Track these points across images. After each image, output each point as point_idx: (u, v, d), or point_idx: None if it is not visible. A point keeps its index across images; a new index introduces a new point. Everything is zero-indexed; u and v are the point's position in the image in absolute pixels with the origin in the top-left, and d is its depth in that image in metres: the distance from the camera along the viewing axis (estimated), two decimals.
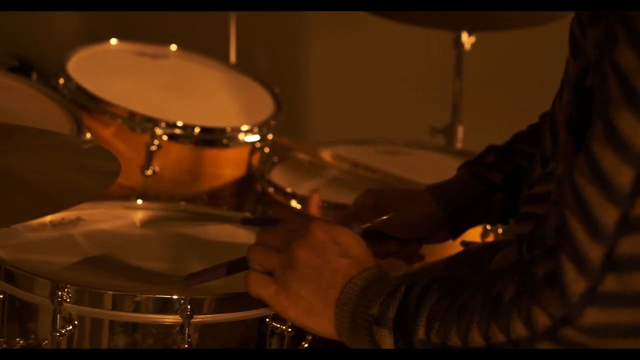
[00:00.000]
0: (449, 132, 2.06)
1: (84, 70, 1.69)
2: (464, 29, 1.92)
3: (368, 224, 1.03)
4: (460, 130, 2.05)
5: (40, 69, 1.75)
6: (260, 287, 0.94)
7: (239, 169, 1.67)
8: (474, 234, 1.46)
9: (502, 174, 1.21)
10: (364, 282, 0.91)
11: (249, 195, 1.70)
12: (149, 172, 1.58)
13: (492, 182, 1.21)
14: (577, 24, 0.94)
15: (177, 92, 1.73)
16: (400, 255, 1.24)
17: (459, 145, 2.06)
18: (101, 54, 1.79)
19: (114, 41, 1.82)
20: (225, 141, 1.62)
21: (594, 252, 0.77)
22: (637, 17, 0.78)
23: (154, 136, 1.56)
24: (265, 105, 1.76)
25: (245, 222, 1.26)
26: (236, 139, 1.63)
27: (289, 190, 1.60)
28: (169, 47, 1.87)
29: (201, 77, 1.81)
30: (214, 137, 1.62)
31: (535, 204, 1.02)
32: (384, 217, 1.09)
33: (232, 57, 2.08)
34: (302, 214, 1.14)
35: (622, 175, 0.77)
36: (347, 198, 1.56)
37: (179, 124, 1.60)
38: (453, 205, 1.21)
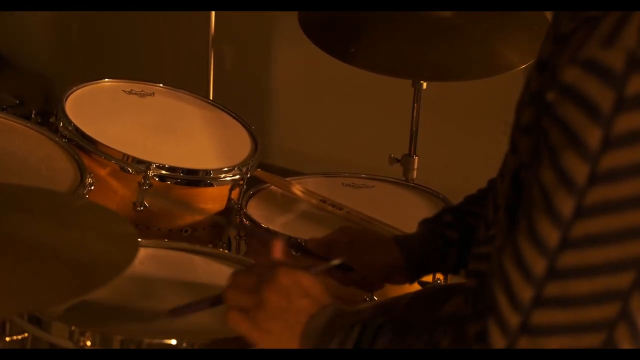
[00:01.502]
0: (405, 161, 2.27)
1: (80, 110, 1.87)
2: (420, 79, 2.11)
3: (323, 268, 1.27)
4: (415, 160, 2.27)
5: (38, 107, 1.93)
6: (237, 323, 1.15)
7: (220, 204, 1.87)
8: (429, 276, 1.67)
9: (456, 232, 1.43)
10: (323, 318, 1.12)
11: (228, 225, 1.92)
12: (140, 208, 1.78)
13: (448, 238, 1.43)
14: (516, 127, 1.15)
15: (164, 132, 1.92)
16: (362, 285, 1.46)
17: (414, 174, 2.27)
18: (95, 93, 1.97)
19: (105, 80, 2.01)
20: (208, 181, 1.82)
21: (513, 320, 0.99)
22: (559, 144, 0.99)
23: (146, 177, 1.76)
24: (243, 144, 1.96)
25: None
26: (218, 178, 1.83)
27: (263, 225, 1.80)
28: (155, 85, 2.06)
29: (185, 115, 2.00)
30: (199, 178, 1.82)
31: (480, 262, 1.24)
32: (334, 262, 1.31)
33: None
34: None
35: (538, 265, 0.98)
36: (314, 234, 1.79)
37: (168, 165, 1.79)
38: (414, 255, 1.42)
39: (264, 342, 1.15)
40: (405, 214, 1.91)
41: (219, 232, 1.92)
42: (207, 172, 1.82)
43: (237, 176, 1.85)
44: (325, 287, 1.17)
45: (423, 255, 1.44)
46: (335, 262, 1.32)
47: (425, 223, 1.49)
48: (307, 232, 1.78)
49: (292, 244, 1.58)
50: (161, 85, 2.07)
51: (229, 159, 1.88)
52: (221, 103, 2.07)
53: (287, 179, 2.00)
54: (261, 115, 3.40)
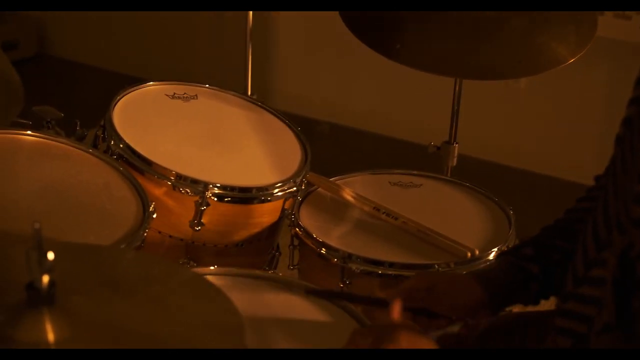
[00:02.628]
0: (445, 149, 2.26)
1: (128, 122, 1.83)
2: (467, 77, 2.08)
3: (441, 332, 1.27)
4: (456, 148, 2.25)
5: (82, 117, 1.88)
6: None
7: (275, 215, 1.85)
8: None
9: (539, 265, 1.43)
10: None
11: (280, 234, 1.91)
12: (198, 228, 1.76)
13: (529, 272, 1.43)
14: (624, 212, 1.14)
15: (214, 143, 1.88)
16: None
17: (454, 161, 2.26)
18: (139, 99, 1.92)
19: (150, 84, 1.97)
20: (264, 197, 1.80)
21: None
22: None
23: (203, 197, 1.73)
24: (293, 150, 1.93)
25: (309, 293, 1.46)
26: (274, 194, 1.80)
27: (319, 238, 1.79)
28: (197, 86, 2.01)
29: (232, 121, 1.97)
30: (254, 195, 1.79)
31: (582, 303, 1.23)
32: (456, 328, 1.30)
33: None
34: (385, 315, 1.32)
35: None
36: (374, 248, 1.77)
37: (224, 185, 1.76)
38: (496, 290, 1.43)
39: None
40: (457, 218, 1.91)
41: (272, 242, 1.91)
42: (262, 188, 1.80)
43: (293, 188, 1.83)
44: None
45: (505, 290, 1.44)
46: (455, 327, 1.31)
47: (504, 256, 1.49)
48: (364, 247, 1.78)
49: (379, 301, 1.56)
50: (206, 85, 2.03)
51: (282, 170, 1.85)
52: (263, 102, 2.04)
53: (336, 180, 1.98)
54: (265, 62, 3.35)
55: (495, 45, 2.02)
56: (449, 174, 2.27)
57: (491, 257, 1.76)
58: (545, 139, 3.46)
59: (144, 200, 1.63)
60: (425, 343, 1.20)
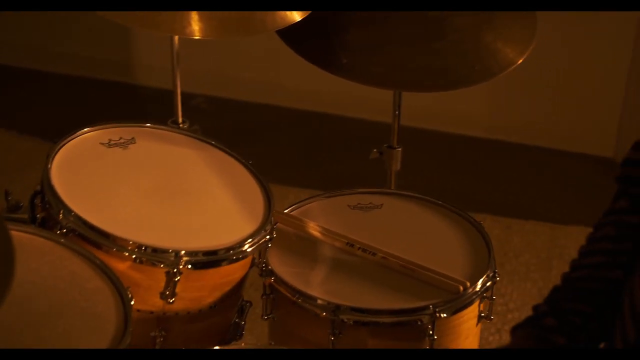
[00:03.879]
0: (388, 154, 2.15)
1: (71, 188, 1.61)
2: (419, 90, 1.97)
3: None
4: (399, 152, 2.15)
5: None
6: None
7: (246, 267, 1.70)
8: None
9: (563, 336, 1.36)
10: None
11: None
12: (171, 300, 1.58)
13: (556, 344, 1.36)
14: None
15: (173, 198, 1.69)
16: None
17: (398, 166, 2.16)
18: (76, 157, 1.70)
19: (81, 132, 1.75)
20: (239, 255, 1.64)
21: None
22: None
23: (175, 267, 1.56)
24: (252, 190, 1.77)
25: None
26: (247, 251, 1.65)
27: (299, 288, 1.66)
28: (130, 126, 1.81)
29: (182, 165, 1.78)
30: (229, 255, 1.63)
31: None
32: None
33: None
34: None
35: None
36: (361, 294, 1.66)
37: (197, 250, 1.58)
38: None
39: None
40: (432, 242, 1.83)
41: (241, 294, 1.76)
42: (236, 245, 1.63)
43: (267, 237, 1.68)
44: None
45: None
46: None
47: (527, 327, 1.40)
48: (351, 294, 1.67)
49: None
50: (147, 125, 1.83)
51: (251, 218, 1.69)
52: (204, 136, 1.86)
53: (292, 210, 1.85)
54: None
55: (445, 47, 1.92)
56: (392, 179, 2.18)
57: (479, 287, 1.69)
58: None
59: (124, 298, 1.45)
60: None
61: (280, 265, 1.72)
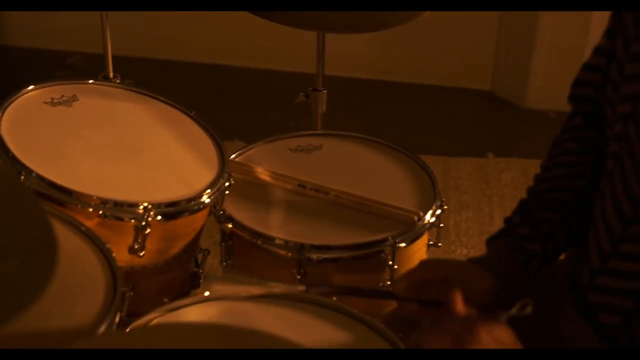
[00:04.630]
0: (314, 97, 2.19)
1: (27, 149, 1.58)
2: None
3: (510, 315, 1.27)
4: (324, 95, 2.19)
5: None
6: None
7: (205, 216, 1.72)
8: None
9: (538, 243, 1.46)
10: None
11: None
12: (142, 254, 1.59)
13: (531, 251, 1.45)
14: None
15: (129, 154, 1.68)
16: None
17: (324, 108, 2.20)
18: (23, 117, 1.66)
19: (25, 92, 1.71)
20: (197, 206, 1.65)
21: None
22: None
23: (144, 221, 1.56)
24: (203, 141, 1.78)
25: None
26: (206, 201, 1.66)
27: (260, 231, 1.69)
28: (69, 83, 1.77)
29: (130, 120, 1.77)
30: (194, 205, 1.64)
31: (615, 278, 1.30)
32: (524, 311, 1.30)
33: None
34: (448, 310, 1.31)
35: None
36: (321, 232, 1.70)
37: (163, 202, 1.59)
38: (505, 278, 1.44)
39: None
40: (378, 177, 1.88)
41: (199, 243, 1.78)
42: (198, 195, 1.64)
43: (227, 184, 1.70)
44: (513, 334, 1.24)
45: (512, 275, 1.46)
46: (525, 310, 1.29)
47: (502, 238, 1.49)
48: (312, 233, 1.71)
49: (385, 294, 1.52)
50: (76, 82, 1.79)
51: (209, 167, 1.71)
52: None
53: (236, 157, 1.87)
54: None
55: None
56: (319, 122, 2.22)
57: (429, 216, 1.77)
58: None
59: (99, 245, 1.44)
60: (502, 332, 1.22)
61: (238, 212, 1.75)
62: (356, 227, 1.73)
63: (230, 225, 1.72)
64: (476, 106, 3.72)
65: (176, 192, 1.63)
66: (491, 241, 1.51)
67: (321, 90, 2.18)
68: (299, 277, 1.68)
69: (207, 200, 1.65)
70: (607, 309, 1.32)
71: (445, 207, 1.81)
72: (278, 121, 3.26)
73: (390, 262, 1.70)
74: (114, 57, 2.05)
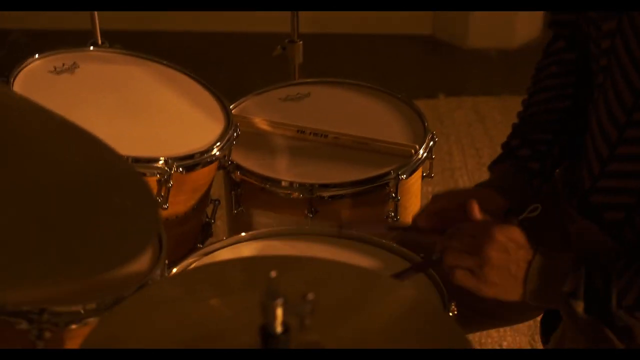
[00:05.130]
0: (291, 48, 2.27)
1: None
2: None
3: (521, 218, 1.41)
4: (300, 45, 2.27)
5: None
6: (465, 280, 1.37)
7: (216, 167, 1.79)
8: None
9: (537, 162, 1.58)
10: (539, 262, 1.35)
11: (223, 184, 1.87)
12: (166, 206, 1.66)
13: (531, 170, 1.58)
14: None
15: (140, 115, 1.75)
16: None
17: (300, 58, 2.28)
18: (34, 88, 1.71)
19: (29, 62, 1.77)
20: (210, 159, 1.72)
21: None
22: None
23: (167, 174, 1.63)
24: (204, 96, 1.85)
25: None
26: (218, 153, 1.73)
27: (270, 176, 1.78)
28: (70, 51, 1.83)
29: (133, 83, 1.83)
30: (203, 159, 1.71)
31: (615, 179, 1.44)
32: (534, 214, 1.43)
33: None
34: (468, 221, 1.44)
35: None
36: (328, 171, 1.79)
37: (183, 155, 1.67)
38: (514, 197, 1.56)
39: (491, 292, 1.37)
40: (370, 117, 1.98)
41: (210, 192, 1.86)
42: (209, 150, 1.72)
43: (235, 134, 1.78)
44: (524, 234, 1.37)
45: (519, 193, 1.57)
46: (533, 214, 1.42)
47: (506, 161, 1.60)
48: (319, 173, 1.80)
49: (406, 228, 1.61)
50: (74, 49, 1.84)
51: (217, 122, 1.79)
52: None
53: (238, 113, 1.95)
54: None
55: None
56: (297, 72, 2.31)
57: (422, 150, 1.87)
58: None
59: None
60: (516, 232, 1.37)
61: (245, 160, 1.83)
62: (358, 165, 1.83)
63: (239, 173, 1.81)
64: (421, 50, 3.84)
65: (190, 145, 1.71)
66: (494, 166, 1.62)
67: (297, 41, 2.27)
68: (311, 215, 1.78)
69: (219, 153, 1.73)
70: (610, 207, 1.45)
71: (437, 139, 1.92)
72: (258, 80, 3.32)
73: (394, 194, 1.81)
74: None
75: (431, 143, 1.90)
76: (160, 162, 1.63)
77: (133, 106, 1.77)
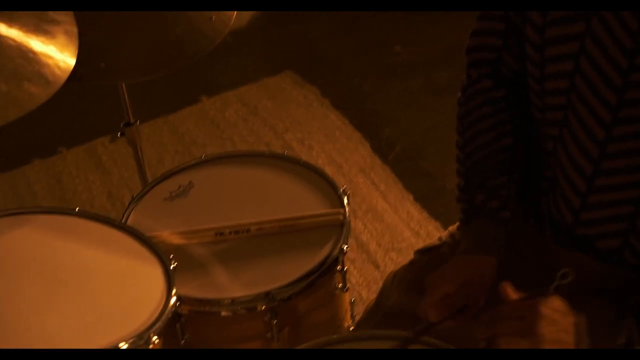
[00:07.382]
0: (130, 133, 2.04)
1: None
2: None
3: (555, 286, 1.39)
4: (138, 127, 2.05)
5: None
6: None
7: None
8: None
9: (507, 210, 1.54)
10: (585, 323, 1.32)
11: None
12: None
13: (505, 219, 1.54)
14: None
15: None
16: None
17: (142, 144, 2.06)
18: None
19: None
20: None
21: None
22: None
23: None
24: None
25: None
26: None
27: (212, 297, 1.62)
28: None
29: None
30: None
31: (592, 226, 1.46)
32: (566, 280, 1.41)
33: None
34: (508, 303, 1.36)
35: None
36: (275, 270, 1.64)
37: None
38: (500, 252, 1.51)
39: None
40: (273, 191, 1.85)
41: None
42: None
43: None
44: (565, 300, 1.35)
45: (502, 245, 1.52)
46: (565, 281, 1.39)
47: (479, 218, 1.54)
48: (268, 276, 1.66)
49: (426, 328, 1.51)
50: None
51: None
52: None
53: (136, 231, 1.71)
54: None
55: None
56: (142, 155, 2.09)
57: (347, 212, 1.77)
58: None
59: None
60: (556, 302, 1.32)
61: (180, 287, 1.63)
62: (298, 249, 1.71)
63: (181, 305, 1.61)
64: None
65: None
66: (466, 225, 1.56)
67: (134, 123, 2.05)
68: (274, 321, 1.64)
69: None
70: (601, 236, 1.47)
71: (349, 192, 1.83)
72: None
73: (340, 267, 1.72)
74: None
75: (345, 199, 1.81)
76: None
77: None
